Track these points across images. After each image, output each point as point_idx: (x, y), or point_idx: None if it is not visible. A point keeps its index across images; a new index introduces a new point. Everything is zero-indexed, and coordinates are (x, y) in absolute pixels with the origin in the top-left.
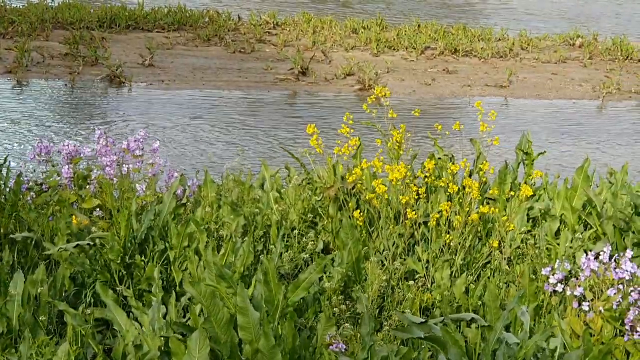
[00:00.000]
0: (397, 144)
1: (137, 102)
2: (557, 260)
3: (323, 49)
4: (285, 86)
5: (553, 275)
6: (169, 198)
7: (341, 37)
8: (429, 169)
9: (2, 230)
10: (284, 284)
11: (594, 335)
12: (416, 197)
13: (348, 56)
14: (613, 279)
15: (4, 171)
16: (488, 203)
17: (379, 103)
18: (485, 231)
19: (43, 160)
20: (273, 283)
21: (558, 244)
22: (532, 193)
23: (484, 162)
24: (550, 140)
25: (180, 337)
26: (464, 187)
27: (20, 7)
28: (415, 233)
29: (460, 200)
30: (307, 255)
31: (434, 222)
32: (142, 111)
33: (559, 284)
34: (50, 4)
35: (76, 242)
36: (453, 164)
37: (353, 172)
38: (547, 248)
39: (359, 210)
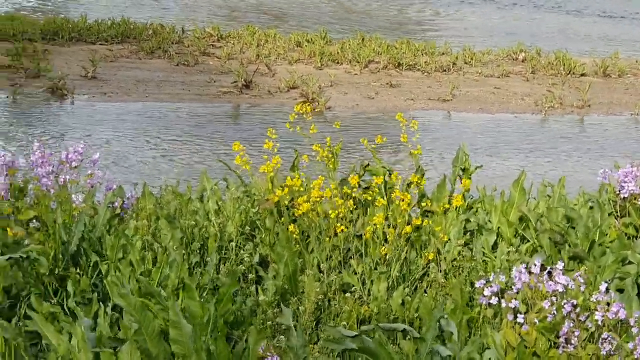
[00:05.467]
0: (331, 157)
1: (78, 115)
2: (493, 273)
3: (267, 62)
4: (229, 99)
5: (488, 287)
6: (103, 209)
7: (285, 51)
8: (355, 184)
9: None
10: (214, 297)
11: (528, 348)
12: (351, 209)
13: (292, 69)
14: (547, 292)
15: None
16: (426, 216)
17: (324, 117)
18: (419, 244)
19: None
20: (198, 297)
21: (495, 257)
22: (467, 205)
23: (422, 175)
24: (491, 153)
25: (111, 350)
26: (388, 202)
27: None
28: (351, 246)
29: (394, 213)
30: (245, 267)
31: (369, 235)
32: (84, 123)
33: (493, 297)
34: None
35: (9, 255)
36: (390, 176)
37: (276, 190)
38: (484, 261)
39: (294, 224)
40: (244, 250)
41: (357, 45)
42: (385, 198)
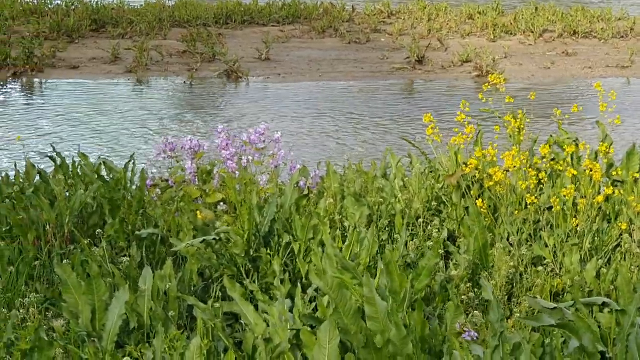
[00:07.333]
0: (517, 129)
1: (255, 96)
2: None
3: (439, 37)
4: (402, 75)
5: None
6: (290, 190)
7: (457, 24)
8: (546, 155)
9: (129, 227)
10: (410, 273)
11: None
12: (536, 181)
13: (464, 43)
14: None
15: (130, 169)
16: (615, 185)
17: (498, 89)
18: (613, 214)
19: (168, 156)
20: (396, 272)
21: None
22: None
23: (610, 144)
24: None
25: (309, 329)
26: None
27: (138, 7)
28: (540, 218)
29: (583, 184)
30: (433, 243)
31: (559, 207)
32: (260, 104)
33: None
34: (167, 3)
35: (202, 238)
36: (577, 146)
37: (469, 161)
38: None
39: (482, 197)
40: (431, 225)
41: (531, 14)
42: (574, 168)
